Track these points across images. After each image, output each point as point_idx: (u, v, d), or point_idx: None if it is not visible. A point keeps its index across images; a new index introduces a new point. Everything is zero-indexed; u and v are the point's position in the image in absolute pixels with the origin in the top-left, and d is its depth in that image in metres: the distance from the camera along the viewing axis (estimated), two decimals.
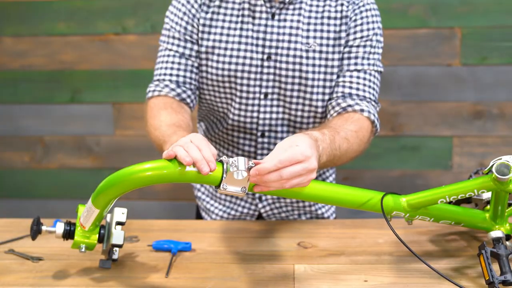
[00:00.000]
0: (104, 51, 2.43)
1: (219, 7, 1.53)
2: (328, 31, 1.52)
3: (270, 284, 1.25)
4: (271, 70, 1.52)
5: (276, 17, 1.51)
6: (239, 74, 1.52)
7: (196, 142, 1.11)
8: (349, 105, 1.48)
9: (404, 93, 2.36)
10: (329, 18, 1.52)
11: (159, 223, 1.59)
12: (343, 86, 1.52)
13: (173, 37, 1.56)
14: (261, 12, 1.51)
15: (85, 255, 1.36)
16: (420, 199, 1.24)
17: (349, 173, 2.42)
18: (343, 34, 1.52)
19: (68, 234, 1.26)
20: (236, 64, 1.52)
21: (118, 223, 1.29)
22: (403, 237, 1.20)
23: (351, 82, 1.51)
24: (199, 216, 1.81)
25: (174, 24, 1.56)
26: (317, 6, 1.52)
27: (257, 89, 1.53)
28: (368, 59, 1.53)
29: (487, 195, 1.34)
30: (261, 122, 1.56)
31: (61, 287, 1.25)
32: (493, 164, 1.15)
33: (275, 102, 1.55)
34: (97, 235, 1.27)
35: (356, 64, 1.52)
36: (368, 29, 1.52)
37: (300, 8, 1.51)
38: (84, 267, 1.33)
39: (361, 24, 1.52)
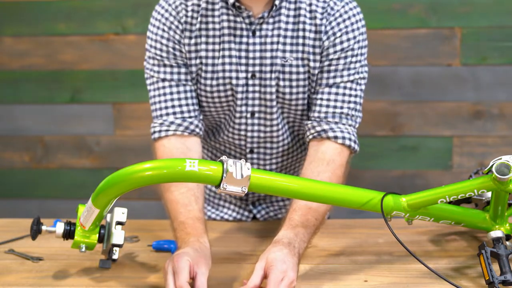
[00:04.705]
0: (104, 51, 2.43)
1: (200, 29, 1.47)
2: (304, 45, 1.45)
3: None
4: (256, 88, 1.48)
5: (257, 33, 1.46)
6: (225, 94, 1.48)
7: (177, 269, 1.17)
8: (323, 130, 1.44)
9: (404, 93, 2.36)
10: (304, 30, 1.45)
11: (159, 223, 1.58)
12: (320, 105, 1.46)
13: (164, 65, 1.48)
14: (241, 29, 1.46)
15: (85, 255, 1.36)
16: (420, 199, 1.24)
17: (349, 173, 2.42)
18: (317, 50, 1.45)
19: (68, 234, 1.26)
20: (224, 85, 1.47)
21: (118, 223, 1.29)
22: (403, 237, 1.20)
23: (328, 100, 1.46)
24: None
25: (159, 51, 1.48)
26: (294, 17, 1.45)
27: (243, 108, 1.50)
28: (349, 69, 1.46)
29: (487, 195, 1.34)
30: (249, 140, 1.54)
31: (61, 287, 1.25)
32: (493, 164, 1.15)
33: (262, 121, 1.52)
34: (97, 235, 1.27)
35: (335, 77, 1.45)
36: (348, 39, 1.45)
37: (279, 21, 1.45)
38: (84, 267, 1.33)
39: (340, 36, 1.44)
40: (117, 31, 2.41)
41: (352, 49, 1.45)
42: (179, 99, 1.48)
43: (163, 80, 1.48)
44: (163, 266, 1.22)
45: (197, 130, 1.48)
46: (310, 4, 1.45)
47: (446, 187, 1.23)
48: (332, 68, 1.45)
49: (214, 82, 1.48)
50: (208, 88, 1.48)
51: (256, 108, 1.50)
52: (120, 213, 1.30)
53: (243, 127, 1.53)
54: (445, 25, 2.30)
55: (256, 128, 1.53)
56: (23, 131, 2.54)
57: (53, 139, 2.54)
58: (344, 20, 1.45)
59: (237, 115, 1.51)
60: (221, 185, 1.12)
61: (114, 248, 1.31)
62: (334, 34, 1.45)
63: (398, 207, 1.25)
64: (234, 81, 1.47)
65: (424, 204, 1.25)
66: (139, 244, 1.45)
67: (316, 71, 1.46)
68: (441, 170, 2.41)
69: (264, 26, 1.46)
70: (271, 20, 1.45)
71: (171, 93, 1.48)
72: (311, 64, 1.46)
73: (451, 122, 2.37)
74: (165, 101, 1.48)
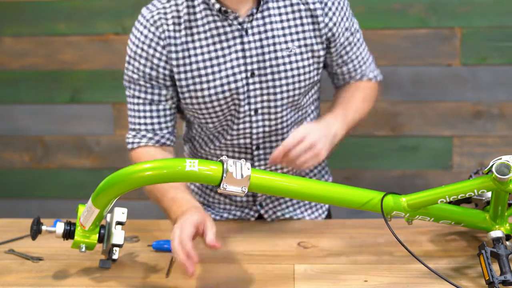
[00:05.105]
0: (104, 51, 2.43)
1: (186, 42, 1.46)
2: (304, 31, 1.48)
3: (270, 284, 1.25)
4: (257, 86, 1.48)
5: (250, 31, 1.45)
6: (226, 95, 1.47)
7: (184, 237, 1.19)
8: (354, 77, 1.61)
9: (404, 93, 2.36)
10: (301, 18, 1.48)
11: (159, 223, 1.58)
12: (342, 74, 1.60)
13: (139, 84, 1.49)
14: (232, 32, 1.45)
15: (85, 255, 1.36)
16: (420, 199, 1.24)
17: (349, 173, 2.42)
18: (317, 33, 1.50)
19: (68, 234, 1.26)
20: (222, 86, 1.47)
21: (118, 223, 1.29)
22: (403, 237, 1.20)
23: (349, 71, 1.60)
24: None
25: (136, 70, 1.48)
26: (285, 7, 1.47)
27: (246, 107, 1.50)
28: (352, 33, 1.56)
29: (487, 195, 1.34)
30: (254, 136, 1.54)
31: (61, 287, 1.25)
32: (493, 164, 1.15)
33: (266, 116, 1.52)
34: (97, 235, 1.27)
35: (347, 52, 1.56)
36: (346, 18, 1.53)
37: (269, 15, 1.46)
38: (84, 267, 1.33)
39: (337, 15, 1.50)
40: (117, 31, 2.41)
41: (347, 19, 1.54)
42: (151, 117, 1.51)
43: (138, 97, 1.50)
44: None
45: (168, 142, 1.53)
46: None
47: (446, 187, 1.23)
48: (339, 43, 1.54)
49: (212, 91, 1.47)
50: (207, 98, 1.48)
51: (259, 105, 1.50)
52: (120, 213, 1.30)
53: (247, 125, 1.52)
54: (445, 25, 2.30)
55: (260, 124, 1.53)
56: (23, 131, 2.54)
57: (53, 139, 2.54)
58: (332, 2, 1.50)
59: (241, 115, 1.51)
60: (221, 185, 1.12)
61: (114, 248, 1.31)
62: (326, 15, 1.49)
63: (398, 207, 1.25)
64: (233, 85, 1.47)
65: (424, 204, 1.25)
66: (139, 244, 1.45)
67: (322, 53, 1.51)
68: (441, 170, 2.41)
69: (255, 22, 1.46)
70: (260, 15, 1.46)
71: (144, 111, 1.51)
72: (315, 47, 1.50)
73: (451, 122, 2.37)
74: (139, 117, 1.51)
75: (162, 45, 1.46)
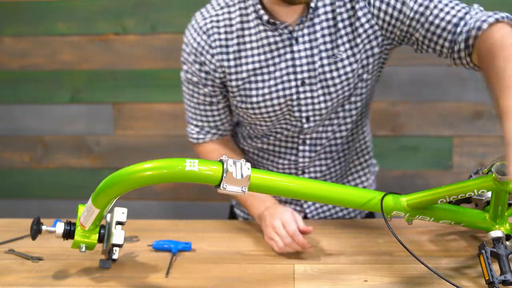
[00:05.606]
0: (104, 51, 2.43)
1: (239, 51, 1.48)
2: (352, 32, 1.43)
3: (270, 284, 1.25)
4: (308, 94, 1.48)
5: (300, 39, 1.44)
6: (274, 102, 1.49)
7: (289, 230, 1.35)
8: (466, 38, 1.28)
9: (404, 93, 2.36)
10: (342, 20, 1.43)
11: (159, 223, 1.59)
12: (439, 36, 1.33)
13: (197, 87, 1.54)
14: (283, 41, 1.45)
15: (85, 255, 1.36)
16: (420, 199, 1.24)
17: None
18: (370, 31, 1.42)
19: (68, 234, 1.26)
20: (270, 94, 1.48)
21: (118, 223, 1.29)
22: (403, 237, 1.20)
23: (438, 25, 1.33)
24: (232, 215, 1.82)
25: (192, 73, 1.53)
26: (333, 11, 1.43)
27: (297, 114, 1.51)
28: None
29: (487, 195, 1.34)
30: (300, 142, 1.57)
31: (61, 287, 1.25)
32: (493, 164, 1.15)
33: (318, 122, 1.52)
34: (97, 235, 1.27)
35: (427, 17, 1.34)
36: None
37: (320, 22, 1.43)
38: (84, 267, 1.33)
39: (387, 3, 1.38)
40: (117, 31, 2.41)
41: None
42: (213, 115, 1.59)
43: (197, 97, 1.57)
44: (265, 230, 1.39)
45: (227, 132, 1.64)
46: None
47: (446, 187, 1.23)
48: (414, 19, 1.36)
49: (261, 99, 1.49)
50: (255, 105, 1.51)
51: (311, 113, 1.51)
52: (120, 213, 1.31)
53: (297, 129, 1.55)
54: None
55: (312, 130, 1.54)
56: (23, 131, 2.54)
57: (53, 139, 2.54)
58: None
59: (292, 122, 1.53)
60: (221, 185, 1.12)
61: (114, 248, 1.31)
62: (378, 9, 1.40)
63: (398, 207, 1.25)
64: (281, 92, 1.48)
65: (424, 204, 1.25)
66: (139, 244, 1.45)
67: (376, 50, 1.44)
68: (441, 170, 2.41)
69: (306, 30, 1.44)
70: (310, 23, 1.44)
71: (205, 110, 1.58)
72: (367, 46, 1.44)
73: (451, 122, 2.36)
74: (200, 115, 1.59)
75: (213, 54, 1.49)
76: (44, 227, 1.27)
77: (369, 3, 1.41)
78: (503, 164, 1.14)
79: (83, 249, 1.26)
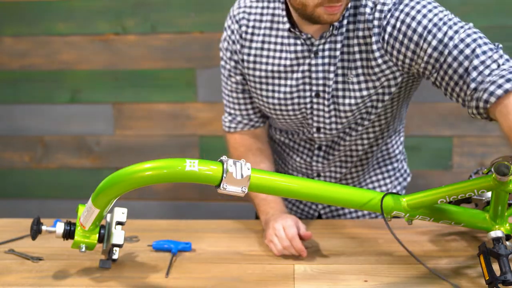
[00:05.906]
0: (104, 51, 2.43)
1: (262, 49, 1.48)
2: (367, 59, 1.39)
3: (270, 284, 1.25)
4: (321, 107, 1.47)
5: (320, 53, 1.42)
6: (289, 108, 1.50)
7: (288, 233, 1.37)
8: (481, 100, 1.19)
9: None
10: (359, 45, 1.38)
11: (159, 223, 1.59)
12: (459, 90, 1.25)
13: (230, 75, 1.56)
14: (302, 51, 1.44)
15: (85, 255, 1.36)
16: (420, 199, 1.24)
17: None
18: (380, 61, 1.37)
19: (68, 234, 1.26)
20: (285, 100, 1.49)
21: (118, 223, 1.29)
22: (402, 237, 1.20)
23: (451, 77, 1.25)
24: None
25: (226, 60, 1.55)
26: (354, 30, 1.39)
27: (310, 121, 1.51)
28: (450, 37, 1.24)
29: (487, 195, 1.34)
30: (316, 146, 1.57)
31: (61, 287, 1.25)
32: (493, 164, 1.15)
33: (328, 135, 1.52)
34: (97, 235, 1.27)
35: (437, 60, 1.27)
36: (421, 33, 1.27)
37: (342, 40, 1.39)
38: (84, 267, 1.33)
39: (406, 35, 1.30)
40: (117, 31, 2.41)
41: (435, 25, 1.27)
42: (245, 103, 1.59)
43: (231, 84, 1.57)
44: (265, 234, 1.41)
45: (261, 125, 1.63)
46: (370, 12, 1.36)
47: (446, 187, 1.23)
48: (432, 60, 1.28)
49: (276, 102, 1.50)
50: (271, 105, 1.52)
51: (322, 125, 1.51)
52: (120, 213, 1.30)
53: (308, 135, 1.55)
54: None
55: (323, 138, 1.54)
56: (23, 131, 2.54)
57: (53, 139, 2.54)
58: (400, 10, 1.31)
59: (307, 128, 1.54)
60: (221, 185, 1.12)
61: (114, 248, 1.31)
62: (395, 38, 1.32)
63: (398, 207, 1.25)
64: (296, 100, 1.48)
65: (424, 204, 1.25)
66: (139, 244, 1.45)
67: (398, 75, 1.39)
68: (441, 170, 2.41)
69: (327, 46, 1.42)
70: (332, 39, 1.41)
71: (238, 98, 1.58)
72: (386, 72, 1.38)
73: (451, 122, 2.36)
74: (233, 103, 1.60)
75: (241, 44, 1.51)
76: (44, 227, 1.27)
77: (383, 39, 1.34)
78: (503, 164, 1.14)
79: (83, 249, 1.26)
